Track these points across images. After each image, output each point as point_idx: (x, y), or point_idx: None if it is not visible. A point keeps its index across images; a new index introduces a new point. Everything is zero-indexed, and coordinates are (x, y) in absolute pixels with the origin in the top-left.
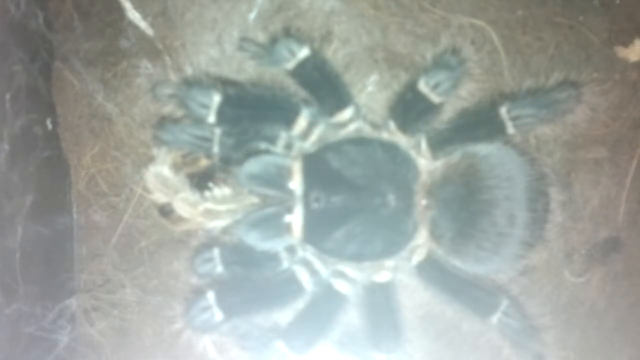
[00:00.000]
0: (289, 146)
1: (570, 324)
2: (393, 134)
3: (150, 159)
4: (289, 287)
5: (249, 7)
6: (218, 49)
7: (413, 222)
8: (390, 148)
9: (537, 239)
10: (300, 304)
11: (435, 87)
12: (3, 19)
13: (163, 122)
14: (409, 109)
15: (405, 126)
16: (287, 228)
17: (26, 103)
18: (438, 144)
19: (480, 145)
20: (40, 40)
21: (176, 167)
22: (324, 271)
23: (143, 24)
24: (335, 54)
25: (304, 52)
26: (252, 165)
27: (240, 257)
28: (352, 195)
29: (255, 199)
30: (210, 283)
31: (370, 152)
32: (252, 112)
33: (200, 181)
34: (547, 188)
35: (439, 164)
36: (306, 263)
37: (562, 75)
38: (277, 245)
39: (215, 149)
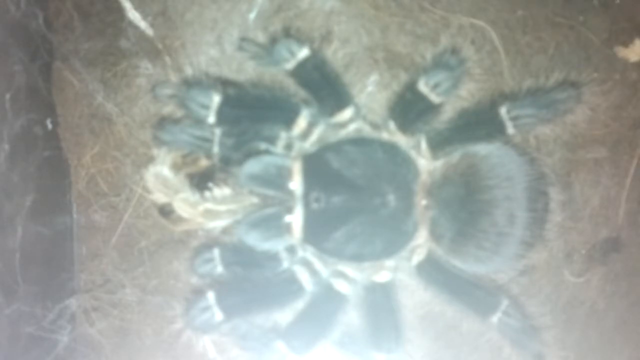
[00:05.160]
0: (289, 146)
1: (570, 324)
2: (393, 134)
3: (150, 159)
4: (289, 287)
5: (249, 7)
6: (218, 49)
7: (413, 222)
8: (390, 148)
9: (537, 239)
10: (300, 304)
11: (435, 87)
12: (3, 19)
13: (163, 122)
14: (409, 109)
15: (405, 126)
16: (287, 228)
17: (26, 103)
18: (438, 144)
19: (480, 145)
20: (40, 40)
21: (176, 167)
22: (324, 271)
23: (143, 24)
24: (335, 54)
25: (303, 53)
26: (252, 166)
27: (240, 257)
28: (352, 196)
29: (255, 199)
30: (210, 283)
31: (370, 152)
32: (252, 112)
33: (200, 181)
34: (547, 188)
35: (439, 164)
36: (306, 263)
37: (562, 75)
38: (277, 245)
39: (215, 149)
